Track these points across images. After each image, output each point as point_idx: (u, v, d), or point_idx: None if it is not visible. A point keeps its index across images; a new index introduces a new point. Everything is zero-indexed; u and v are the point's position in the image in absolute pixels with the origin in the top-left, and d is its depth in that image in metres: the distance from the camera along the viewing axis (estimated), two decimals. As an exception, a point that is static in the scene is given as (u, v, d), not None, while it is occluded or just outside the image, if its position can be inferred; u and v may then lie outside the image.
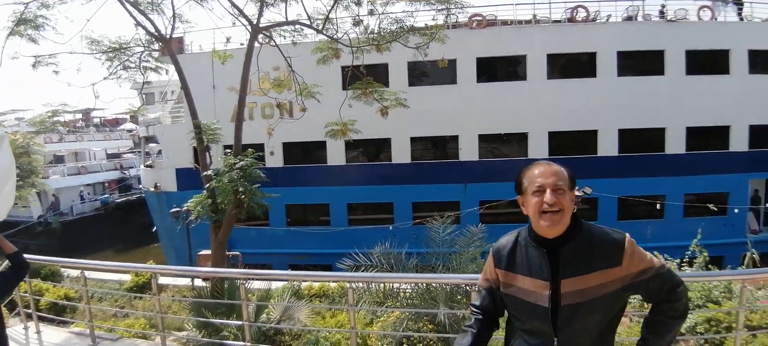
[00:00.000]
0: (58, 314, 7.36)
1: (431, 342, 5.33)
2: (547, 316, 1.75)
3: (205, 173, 8.65)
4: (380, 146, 18.87)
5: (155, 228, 22.27)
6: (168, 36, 9.19)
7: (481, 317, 1.98)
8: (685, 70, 17.23)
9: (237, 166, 7.83)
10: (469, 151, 18.12)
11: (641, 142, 17.77)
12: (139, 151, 24.73)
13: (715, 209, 15.87)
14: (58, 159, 34.43)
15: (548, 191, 1.75)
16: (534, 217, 1.79)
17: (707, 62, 17.33)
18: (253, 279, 6.38)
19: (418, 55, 8.52)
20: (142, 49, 9.46)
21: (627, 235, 1.79)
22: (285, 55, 8.92)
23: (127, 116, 38.37)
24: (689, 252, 8.30)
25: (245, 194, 7.80)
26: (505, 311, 2.01)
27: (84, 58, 8.97)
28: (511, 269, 1.87)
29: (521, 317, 1.88)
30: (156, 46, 9.66)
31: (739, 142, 17.62)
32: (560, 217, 1.73)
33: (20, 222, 27.07)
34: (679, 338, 5.76)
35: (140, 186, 25.92)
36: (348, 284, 4.23)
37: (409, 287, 5.94)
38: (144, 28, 8.94)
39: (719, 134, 17.69)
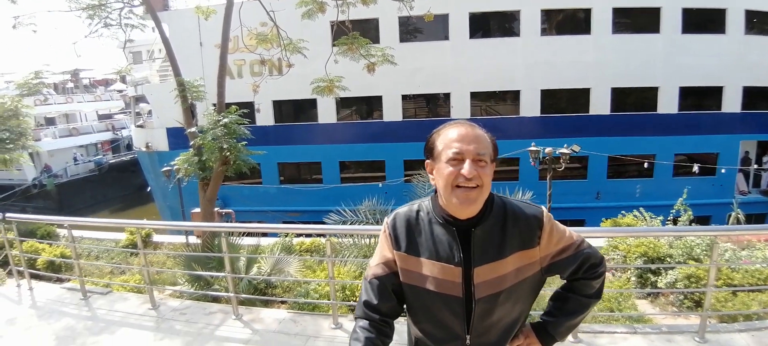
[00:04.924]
0: (54, 272, 7.53)
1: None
2: (460, 308, 1.44)
3: (189, 130, 8.64)
4: (371, 104, 18.75)
5: (149, 188, 22.40)
6: (147, -9, 8.96)
7: (377, 319, 1.50)
8: (681, 28, 16.94)
9: (220, 123, 7.82)
10: (461, 109, 17.98)
11: (634, 101, 17.69)
12: (130, 112, 24.51)
13: (696, 171, 15.96)
14: (49, 121, 34.10)
15: (468, 161, 1.37)
16: (445, 191, 1.40)
17: (703, 21, 17.04)
18: (234, 231, 6.51)
19: (403, 9, 8.33)
20: (122, 5, 9.22)
21: (544, 209, 1.50)
22: (268, 10, 8.72)
23: (117, 77, 37.77)
24: (674, 211, 8.52)
25: (230, 151, 7.83)
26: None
27: (63, 16, 8.77)
28: (411, 251, 1.48)
29: (424, 312, 1.51)
30: (137, 2, 9.41)
31: (731, 103, 17.52)
32: (478, 194, 1.38)
33: (15, 185, 27.13)
34: (659, 290, 5.99)
35: (133, 146, 25.86)
36: (323, 239, 4.33)
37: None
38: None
39: (712, 95, 17.56)
